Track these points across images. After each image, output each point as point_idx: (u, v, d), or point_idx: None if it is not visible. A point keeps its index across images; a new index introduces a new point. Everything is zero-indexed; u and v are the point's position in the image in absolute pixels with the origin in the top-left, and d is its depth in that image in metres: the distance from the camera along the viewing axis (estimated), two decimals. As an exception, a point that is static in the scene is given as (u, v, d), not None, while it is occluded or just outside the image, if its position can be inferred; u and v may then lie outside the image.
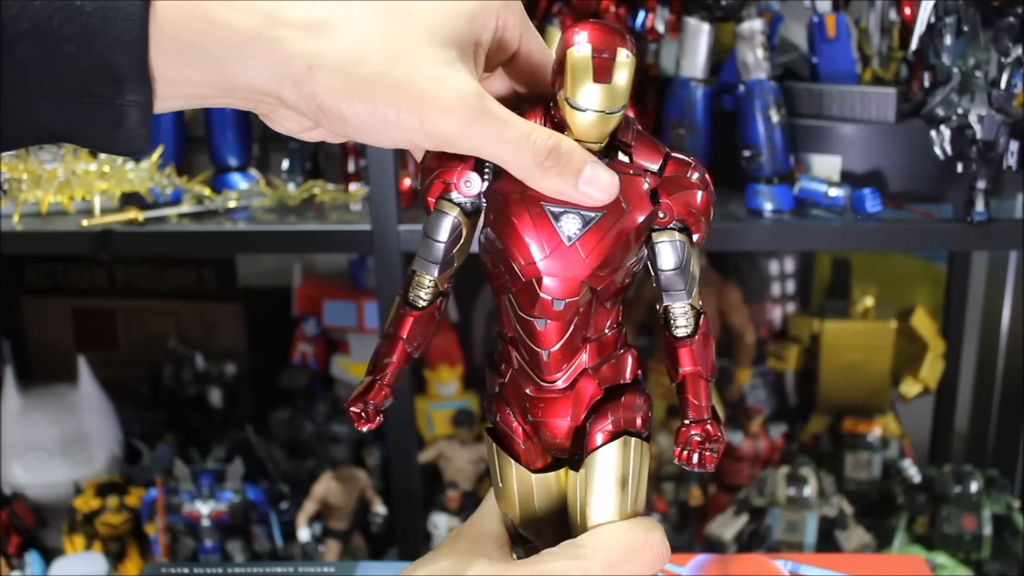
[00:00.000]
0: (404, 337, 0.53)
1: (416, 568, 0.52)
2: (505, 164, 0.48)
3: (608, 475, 0.52)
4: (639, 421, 0.53)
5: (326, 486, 1.42)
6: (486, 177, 0.51)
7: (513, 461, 0.55)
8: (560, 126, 0.49)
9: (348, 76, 0.46)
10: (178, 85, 0.46)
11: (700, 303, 0.53)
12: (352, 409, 0.53)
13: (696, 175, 0.51)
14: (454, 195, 0.51)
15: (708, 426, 0.52)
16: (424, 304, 0.53)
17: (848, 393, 1.62)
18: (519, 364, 0.53)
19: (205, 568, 0.97)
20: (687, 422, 0.52)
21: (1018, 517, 1.33)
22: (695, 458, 0.52)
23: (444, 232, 0.51)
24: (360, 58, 0.46)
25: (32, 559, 1.35)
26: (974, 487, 1.33)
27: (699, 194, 0.51)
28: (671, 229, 0.51)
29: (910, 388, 1.59)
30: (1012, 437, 1.58)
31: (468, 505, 1.47)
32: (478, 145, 0.48)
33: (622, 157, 0.51)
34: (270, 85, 0.47)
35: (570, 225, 0.49)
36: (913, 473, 1.43)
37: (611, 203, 0.49)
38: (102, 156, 1.26)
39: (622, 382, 0.53)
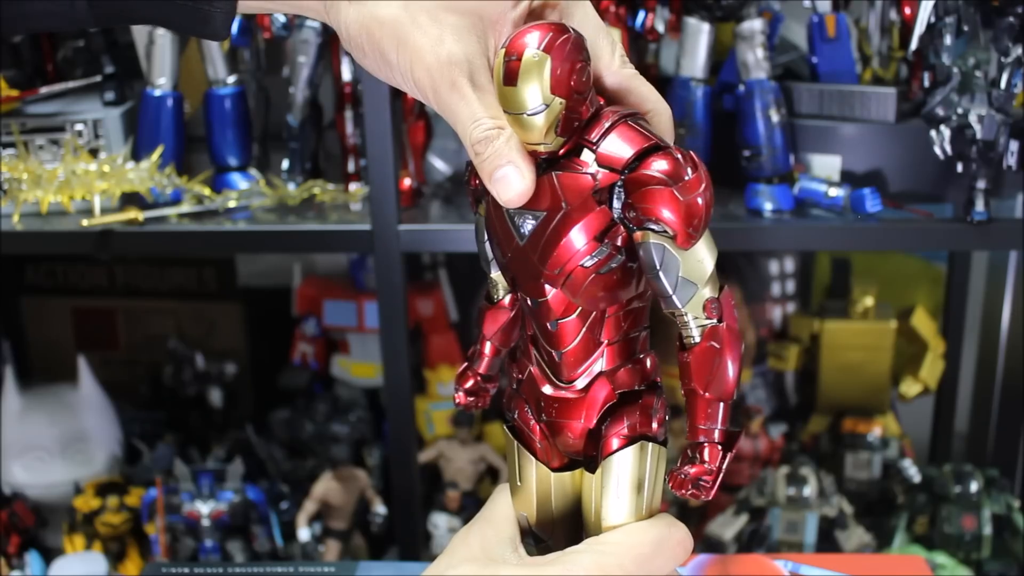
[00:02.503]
0: (483, 329, 0.58)
1: (436, 573, 0.51)
2: (460, 136, 0.51)
3: (624, 479, 0.52)
4: (655, 425, 0.52)
5: (326, 486, 1.42)
6: None
7: (533, 459, 0.54)
8: None
9: (370, 14, 0.52)
10: None
11: (708, 313, 0.48)
12: (455, 385, 0.60)
13: (660, 165, 0.47)
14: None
15: (704, 452, 0.49)
16: (498, 299, 0.58)
17: (848, 393, 1.62)
18: (537, 362, 0.53)
19: (205, 568, 0.97)
20: (687, 445, 0.50)
21: (1018, 517, 1.33)
22: (676, 482, 0.49)
23: (483, 233, 0.55)
24: (386, 6, 0.52)
25: (32, 559, 1.35)
26: (974, 487, 1.33)
27: (669, 192, 0.46)
28: (647, 230, 0.48)
29: (910, 388, 1.59)
30: (1012, 437, 1.58)
31: (468, 505, 1.47)
32: (441, 109, 0.51)
33: (586, 156, 0.49)
34: (325, 9, 0.55)
35: (525, 225, 0.50)
36: (913, 473, 1.43)
37: (551, 203, 0.49)
38: (102, 156, 1.26)
39: (639, 387, 0.53)
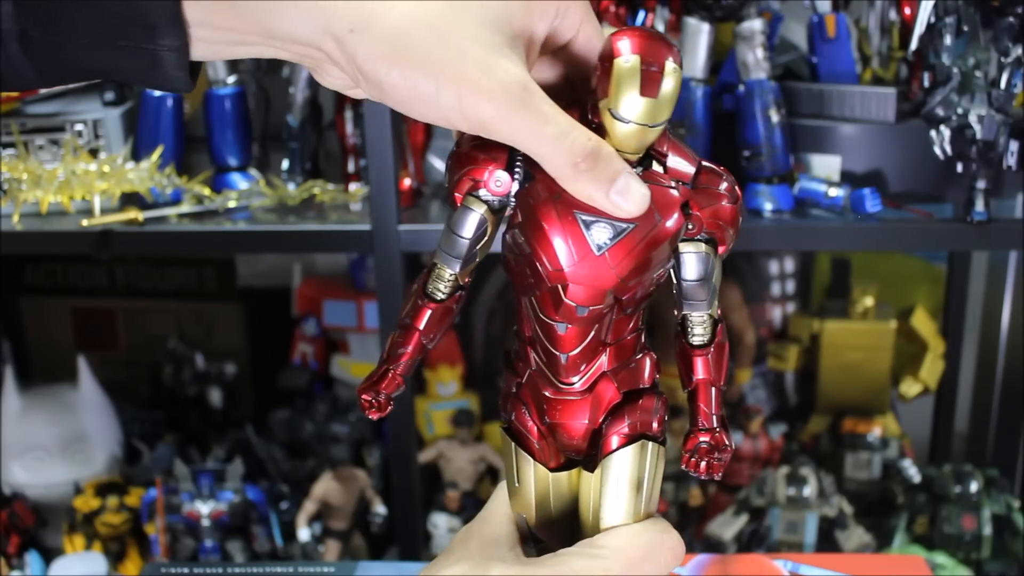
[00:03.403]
0: (420, 329, 0.53)
1: (432, 572, 0.51)
2: (540, 159, 0.47)
3: (623, 478, 0.52)
4: (655, 425, 0.53)
5: (326, 486, 1.42)
6: (516, 177, 0.50)
7: (531, 459, 0.54)
8: (598, 130, 0.48)
9: (391, 45, 0.46)
10: (223, 31, 0.47)
11: (718, 312, 0.53)
12: (364, 397, 0.53)
13: (725, 185, 0.51)
14: (482, 192, 0.51)
15: (717, 434, 0.52)
16: (443, 297, 0.53)
17: (848, 393, 1.62)
18: (537, 365, 0.53)
19: (205, 568, 0.97)
20: (697, 429, 0.53)
21: (1018, 517, 1.33)
22: (702, 465, 0.52)
23: (470, 228, 0.51)
24: (406, 30, 0.46)
25: (32, 559, 1.35)
26: (974, 487, 1.33)
27: (728, 206, 0.51)
28: (698, 240, 0.51)
29: (910, 388, 1.59)
30: (1012, 437, 1.58)
31: (468, 505, 1.47)
32: (514, 136, 0.47)
33: (656, 167, 0.50)
34: (312, 39, 0.47)
35: (601, 234, 0.48)
36: (913, 473, 1.43)
37: (644, 214, 0.48)
38: (102, 156, 1.26)
39: (640, 386, 0.53)
